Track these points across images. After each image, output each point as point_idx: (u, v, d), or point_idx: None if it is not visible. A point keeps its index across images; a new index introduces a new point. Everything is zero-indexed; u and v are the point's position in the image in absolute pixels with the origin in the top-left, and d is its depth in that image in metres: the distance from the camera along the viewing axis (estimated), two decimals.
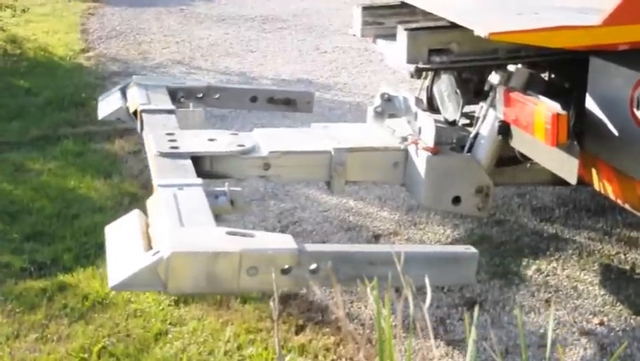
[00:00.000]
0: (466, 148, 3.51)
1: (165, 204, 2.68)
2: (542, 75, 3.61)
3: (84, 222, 4.16)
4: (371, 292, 1.70)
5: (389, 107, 3.77)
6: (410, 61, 3.43)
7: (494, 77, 3.38)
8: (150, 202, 2.81)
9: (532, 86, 3.30)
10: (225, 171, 3.29)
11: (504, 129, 3.28)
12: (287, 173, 3.41)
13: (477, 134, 3.49)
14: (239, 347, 3.13)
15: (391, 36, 3.78)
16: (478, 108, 3.57)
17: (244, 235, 2.44)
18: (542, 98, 3.07)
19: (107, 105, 4.13)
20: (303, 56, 7.44)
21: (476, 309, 1.83)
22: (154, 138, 3.32)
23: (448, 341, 3.13)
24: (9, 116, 5.82)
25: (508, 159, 3.54)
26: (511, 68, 3.42)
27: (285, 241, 2.47)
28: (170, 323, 3.30)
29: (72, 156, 5.12)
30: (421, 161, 3.41)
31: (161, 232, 2.51)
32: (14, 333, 3.20)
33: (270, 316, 3.31)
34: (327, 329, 3.25)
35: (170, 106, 3.80)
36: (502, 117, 3.29)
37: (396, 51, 3.61)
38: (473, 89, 3.82)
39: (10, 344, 3.14)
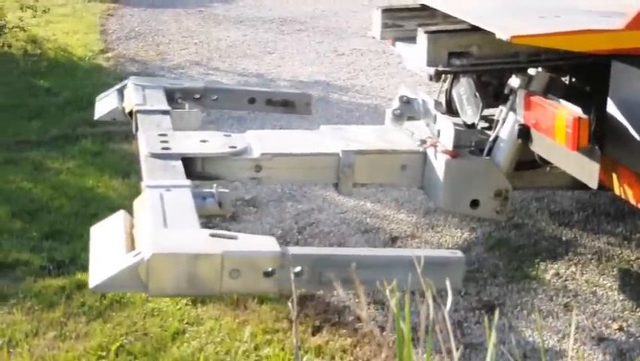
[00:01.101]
0: (485, 151, 3.50)
1: (151, 205, 2.66)
2: (563, 79, 3.60)
3: None
4: (390, 295, 1.69)
5: (408, 110, 3.77)
6: (430, 64, 3.43)
7: (514, 81, 3.37)
8: (136, 203, 2.80)
9: (553, 90, 3.29)
10: (217, 173, 3.28)
11: (524, 133, 3.27)
12: (279, 175, 3.39)
13: (496, 138, 3.48)
14: (256, 347, 3.14)
15: (411, 39, 3.78)
16: (498, 112, 3.56)
17: (227, 237, 2.42)
18: (563, 102, 3.06)
19: (104, 105, 4.12)
20: (320, 58, 7.45)
21: (497, 313, 1.83)
22: (146, 138, 3.31)
23: (466, 345, 3.12)
24: (29, 115, 5.87)
25: (527, 163, 3.53)
26: (531, 71, 3.40)
27: (268, 244, 2.44)
28: (187, 323, 3.31)
29: (90, 155, 5.15)
30: (439, 164, 3.41)
31: (144, 232, 2.50)
32: (33, 331, 3.22)
33: (287, 316, 3.32)
34: (344, 331, 3.25)
35: (165, 107, 3.78)
36: (522, 121, 3.27)
37: (415, 54, 3.60)
38: (493, 93, 3.81)
39: (29, 341, 3.16)
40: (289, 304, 2.93)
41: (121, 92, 4.13)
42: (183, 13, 9.37)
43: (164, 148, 3.20)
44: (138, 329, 3.26)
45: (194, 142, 3.33)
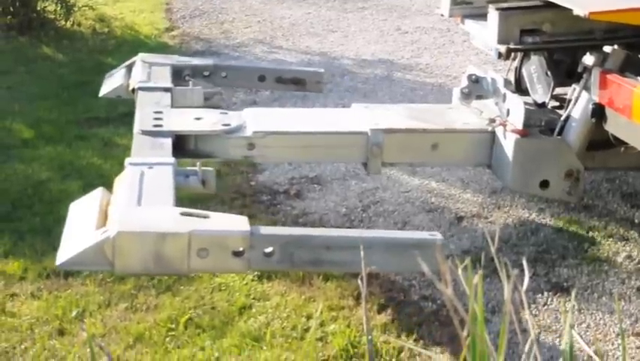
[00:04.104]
0: (556, 131, 3.44)
1: (129, 182, 2.64)
2: None
3: None
4: (463, 273, 1.68)
5: (476, 89, 3.72)
6: (501, 41, 3.38)
7: (588, 58, 3.29)
8: (117, 180, 2.79)
9: (630, 68, 3.20)
10: (209, 151, 3.25)
11: (598, 112, 3.20)
12: (274, 154, 3.36)
13: (568, 117, 3.41)
14: (322, 324, 3.16)
15: (480, 16, 3.71)
16: (570, 90, 3.48)
17: (198, 216, 2.39)
18: None
19: (110, 82, 4.10)
20: (384, 37, 7.39)
21: (573, 294, 1.79)
22: (140, 115, 3.30)
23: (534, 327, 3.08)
24: (98, 92, 5.97)
25: (599, 143, 3.46)
26: (606, 48, 3.31)
27: (238, 223, 2.41)
28: (253, 298, 3.35)
29: None
30: (509, 143, 3.36)
31: (115, 210, 2.49)
32: (105, 302, 3.31)
33: (352, 294, 3.33)
34: (410, 310, 3.25)
35: (167, 84, 3.73)
36: (596, 99, 3.20)
37: (485, 31, 3.55)
38: (565, 71, 3.73)
39: (101, 311, 3.25)
40: (359, 282, 2.93)
41: (129, 69, 4.09)
42: None
43: (155, 125, 3.17)
44: (206, 303, 3.32)
45: (187, 119, 3.29)
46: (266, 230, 2.48)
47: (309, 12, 8.31)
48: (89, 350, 2.92)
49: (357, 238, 2.58)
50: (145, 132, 3.12)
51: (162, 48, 7.17)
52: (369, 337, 2.72)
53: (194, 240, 2.30)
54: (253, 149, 3.28)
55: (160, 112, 3.33)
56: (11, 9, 7.22)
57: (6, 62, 6.54)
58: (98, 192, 2.67)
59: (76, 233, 2.45)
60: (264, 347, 3.03)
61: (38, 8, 7.37)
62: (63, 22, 7.48)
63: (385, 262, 2.40)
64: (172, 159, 2.88)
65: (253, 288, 3.42)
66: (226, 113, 3.44)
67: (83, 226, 2.47)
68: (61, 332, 3.12)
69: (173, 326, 3.16)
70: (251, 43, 7.27)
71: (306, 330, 3.13)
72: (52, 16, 7.48)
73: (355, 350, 2.98)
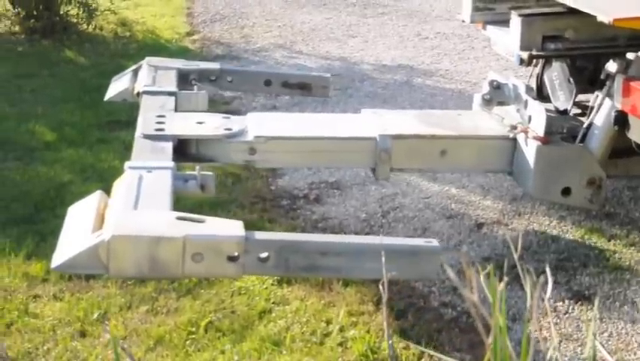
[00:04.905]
0: (578, 138, 3.43)
1: (127, 185, 2.64)
2: None
3: (187, 201, 4.27)
4: (485, 279, 1.67)
5: (498, 95, 3.70)
6: (523, 48, 3.37)
7: (612, 65, 3.27)
8: (115, 183, 2.78)
9: None
10: (211, 155, 3.24)
11: (621, 119, 3.19)
12: (276, 158, 3.35)
13: (590, 124, 3.40)
14: (341, 329, 3.16)
15: (502, 22, 3.71)
16: (593, 97, 3.47)
17: (193, 221, 2.39)
18: None
19: (116, 86, 4.10)
20: (404, 42, 7.39)
21: (596, 303, 1.79)
22: (142, 119, 3.30)
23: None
24: None
25: (622, 151, 3.44)
26: (629, 55, 3.29)
27: (233, 228, 2.40)
28: (273, 302, 3.36)
29: None
30: (530, 150, 3.35)
31: (111, 213, 2.49)
32: (127, 304, 3.33)
33: (372, 299, 3.33)
34: (429, 316, 3.25)
35: (172, 88, 3.72)
36: (619, 107, 3.18)
37: (508, 38, 3.55)
38: (587, 78, 3.71)
39: (123, 314, 3.27)
40: (379, 287, 2.93)
41: (136, 73, 4.09)
42: None
43: (157, 129, 3.16)
44: (226, 306, 3.33)
45: (190, 124, 3.28)
46: (261, 235, 2.48)
47: (330, 17, 8.33)
48: (110, 351, 2.94)
49: (353, 244, 2.58)
50: (147, 136, 3.13)
51: (183, 52, 7.22)
52: (390, 342, 2.71)
53: (189, 244, 2.31)
54: (255, 153, 3.28)
55: (163, 116, 3.33)
56: (35, 13, 7.30)
57: (30, 66, 6.61)
58: (96, 196, 2.67)
59: (72, 236, 2.46)
60: (284, 352, 3.03)
61: (61, 12, 7.44)
62: (85, 26, 7.55)
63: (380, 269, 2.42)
64: (171, 164, 2.88)
65: (273, 292, 3.43)
66: (228, 118, 3.44)
67: (79, 229, 2.48)
68: (83, 334, 3.14)
69: (194, 329, 3.17)
70: (271, 48, 7.30)
71: (326, 335, 3.14)
72: (75, 20, 7.55)
73: (375, 355, 2.98)
